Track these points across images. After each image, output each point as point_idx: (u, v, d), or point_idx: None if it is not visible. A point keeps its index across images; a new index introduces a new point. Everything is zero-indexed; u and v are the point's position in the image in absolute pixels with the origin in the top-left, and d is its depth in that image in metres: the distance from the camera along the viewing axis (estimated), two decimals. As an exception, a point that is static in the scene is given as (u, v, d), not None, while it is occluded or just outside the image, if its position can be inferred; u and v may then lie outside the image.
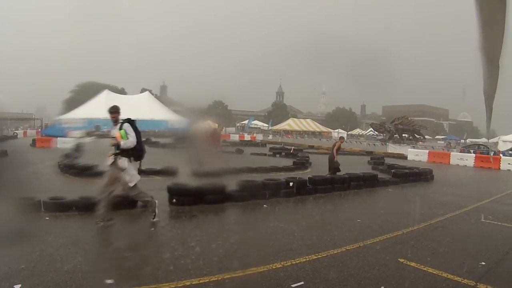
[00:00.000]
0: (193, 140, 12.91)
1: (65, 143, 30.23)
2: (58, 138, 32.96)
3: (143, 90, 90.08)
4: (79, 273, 5.21)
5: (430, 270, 6.03)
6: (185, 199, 9.98)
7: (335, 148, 16.45)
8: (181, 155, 15.93)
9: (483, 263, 6.56)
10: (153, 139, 38.41)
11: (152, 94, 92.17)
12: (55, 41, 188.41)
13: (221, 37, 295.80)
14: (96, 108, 66.50)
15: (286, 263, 6.02)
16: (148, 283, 5.01)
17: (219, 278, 5.27)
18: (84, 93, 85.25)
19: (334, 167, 15.92)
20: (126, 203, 9.14)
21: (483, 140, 69.89)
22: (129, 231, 7.94)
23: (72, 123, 59.85)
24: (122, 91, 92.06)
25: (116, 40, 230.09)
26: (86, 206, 8.60)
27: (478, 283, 5.56)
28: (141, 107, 71.60)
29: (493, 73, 3.73)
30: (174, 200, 9.87)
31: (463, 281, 5.62)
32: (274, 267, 5.81)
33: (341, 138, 19.65)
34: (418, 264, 6.27)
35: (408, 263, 6.35)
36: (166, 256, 6.12)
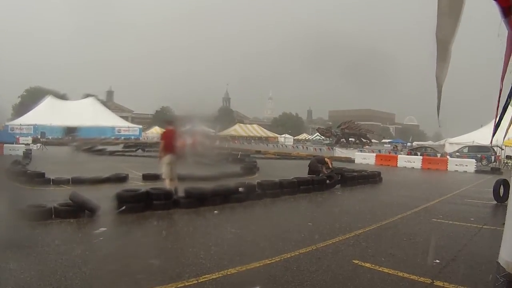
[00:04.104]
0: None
1: (12, 150, 29.46)
2: (5, 145, 31.74)
3: (85, 96, 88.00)
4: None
5: (386, 270, 6.09)
6: (132, 205, 9.78)
7: (329, 163, 18.18)
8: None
9: (437, 261, 6.70)
10: (100, 147, 37.85)
11: (98, 99, 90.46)
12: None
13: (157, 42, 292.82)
14: (41, 115, 64.89)
15: (240, 268, 5.93)
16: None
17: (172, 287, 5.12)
18: (31, 98, 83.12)
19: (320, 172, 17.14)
20: (73, 211, 8.93)
21: (429, 142, 72.30)
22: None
23: (20, 130, 58.17)
24: (64, 97, 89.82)
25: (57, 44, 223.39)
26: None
27: (434, 281, 5.66)
28: (85, 114, 70.06)
29: (445, 58, 3.85)
30: (124, 207, 9.61)
31: (419, 279, 5.70)
32: (229, 273, 5.71)
33: (330, 158, 21.38)
34: (373, 265, 6.32)
35: (363, 264, 6.40)
36: (113, 268, 5.90)
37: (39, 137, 45.74)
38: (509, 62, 3.61)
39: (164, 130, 12.91)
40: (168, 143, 11.88)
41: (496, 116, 4.12)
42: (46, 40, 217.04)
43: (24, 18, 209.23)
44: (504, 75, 3.51)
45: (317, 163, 17.66)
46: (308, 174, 16.90)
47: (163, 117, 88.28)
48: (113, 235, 8.17)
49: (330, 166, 17.86)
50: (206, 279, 5.45)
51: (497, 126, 4.29)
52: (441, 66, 3.93)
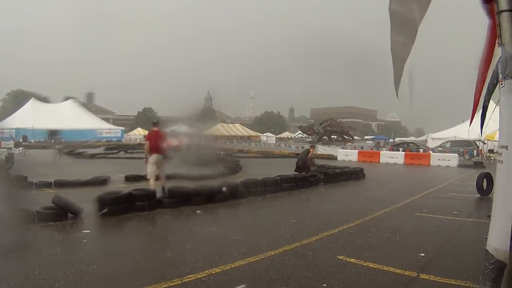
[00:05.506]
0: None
1: None
2: None
3: (66, 98, 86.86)
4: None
5: (371, 264, 6.10)
6: (114, 207, 9.66)
7: (309, 155, 18.36)
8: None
9: (422, 254, 6.74)
10: (81, 150, 37.41)
11: (79, 102, 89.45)
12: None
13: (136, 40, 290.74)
14: (23, 118, 63.88)
15: (225, 267, 5.91)
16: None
17: (156, 288, 5.09)
18: (13, 102, 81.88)
19: (304, 166, 17.43)
20: (57, 214, 8.86)
21: (411, 138, 72.92)
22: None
23: (2, 133, 57.09)
24: (46, 100, 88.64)
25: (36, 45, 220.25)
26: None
27: (420, 274, 5.70)
28: (67, 116, 69.02)
29: (409, 37, 3.87)
30: (105, 210, 9.49)
31: (405, 273, 5.73)
32: (213, 272, 5.67)
33: (312, 146, 21.46)
34: (358, 260, 6.34)
35: (348, 259, 6.41)
36: (97, 270, 5.80)
37: (21, 140, 45.12)
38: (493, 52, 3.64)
39: (149, 131, 13.01)
40: (154, 144, 12.01)
41: (476, 107, 4.14)
42: (26, 41, 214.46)
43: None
44: (489, 64, 3.54)
45: (304, 156, 18.02)
46: (295, 171, 17.06)
47: (145, 118, 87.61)
48: (96, 238, 8.09)
49: (312, 156, 18.50)
50: (190, 278, 5.40)
51: (483, 116, 4.32)
52: (398, 41, 3.94)
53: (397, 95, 4.26)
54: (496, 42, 3.38)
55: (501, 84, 3.33)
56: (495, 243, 3.44)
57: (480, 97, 3.91)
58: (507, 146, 3.30)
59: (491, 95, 3.91)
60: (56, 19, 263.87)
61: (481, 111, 4.32)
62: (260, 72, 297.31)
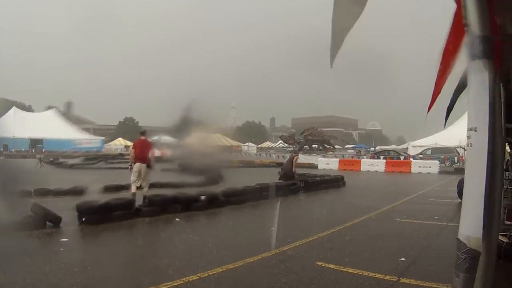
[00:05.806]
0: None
1: None
2: None
3: (48, 108, 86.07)
4: None
5: (351, 270, 6.03)
6: (93, 216, 9.54)
7: (294, 160, 18.45)
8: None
9: (403, 259, 6.69)
10: (61, 159, 37.10)
11: (60, 111, 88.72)
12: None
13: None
14: (4, 127, 62.75)
15: (202, 274, 5.79)
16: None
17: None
18: None
19: (290, 175, 17.60)
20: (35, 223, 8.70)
21: (392, 146, 73.51)
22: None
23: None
24: (29, 109, 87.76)
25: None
26: None
27: (400, 278, 5.63)
28: (48, 126, 68.37)
29: (354, 10, 3.80)
30: (83, 219, 9.39)
31: (385, 278, 5.66)
32: (190, 280, 5.56)
33: (295, 153, 21.92)
34: (338, 266, 6.27)
35: (327, 265, 6.33)
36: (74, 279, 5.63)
37: (1, 150, 44.43)
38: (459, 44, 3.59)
39: (136, 140, 13.31)
40: (139, 153, 12.19)
41: (436, 95, 4.06)
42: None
43: None
44: (454, 51, 3.48)
45: (290, 164, 18.26)
46: (279, 180, 17.24)
47: (126, 128, 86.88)
48: (74, 246, 7.93)
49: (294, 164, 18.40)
50: (166, 286, 5.29)
51: (449, 109, 4.26)
52: (341, 13, 3.87)
53: (331, 66, 4.18)
54: (463, 24, 3.33)
55: (469, 65, 3.28)
56: (467, 230, 3.33)
57: (442, 84, 3.82)
58: (476, 127, 3.22)
59: (462, 89, 3.86)
60: (51, 20, 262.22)
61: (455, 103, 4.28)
62: (241, 82, 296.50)
